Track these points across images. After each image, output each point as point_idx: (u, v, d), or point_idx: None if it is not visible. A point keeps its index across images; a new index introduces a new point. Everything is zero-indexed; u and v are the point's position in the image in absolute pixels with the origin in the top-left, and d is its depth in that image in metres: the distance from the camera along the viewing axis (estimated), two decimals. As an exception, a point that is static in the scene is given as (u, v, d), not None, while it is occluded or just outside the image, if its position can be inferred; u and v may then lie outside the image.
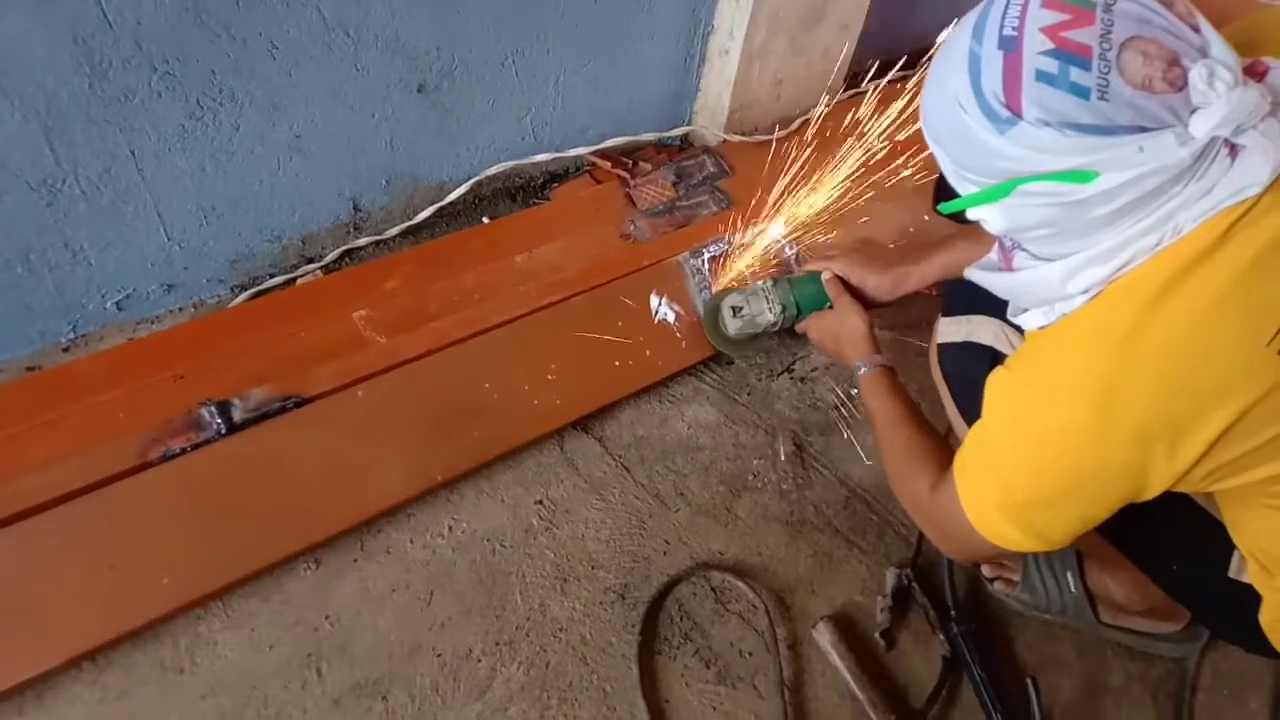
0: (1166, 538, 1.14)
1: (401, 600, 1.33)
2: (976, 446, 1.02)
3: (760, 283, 1.55)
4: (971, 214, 0.94)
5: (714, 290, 1.68)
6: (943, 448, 1.14)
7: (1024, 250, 0.98)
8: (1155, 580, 1.23)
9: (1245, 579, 1.07)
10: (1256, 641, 1.09)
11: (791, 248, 1.77)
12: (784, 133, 1.96)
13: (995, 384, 0.98)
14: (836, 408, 1.69)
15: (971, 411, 1.20)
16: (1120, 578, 1.38)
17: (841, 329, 1.41)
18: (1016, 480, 0.95)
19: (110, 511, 1.24)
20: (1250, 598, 1.07)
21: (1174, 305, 0.82)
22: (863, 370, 1.32)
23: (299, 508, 1.33)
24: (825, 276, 1.48)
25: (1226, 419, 0.83)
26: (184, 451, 1.31)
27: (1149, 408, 0.85)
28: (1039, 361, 0.96)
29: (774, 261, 1.74)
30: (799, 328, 1.53)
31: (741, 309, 1.54)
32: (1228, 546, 1.07)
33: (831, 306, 1.46)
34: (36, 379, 1.40)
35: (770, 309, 1.51)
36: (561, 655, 1.32)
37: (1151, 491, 0.90)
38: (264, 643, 1.26)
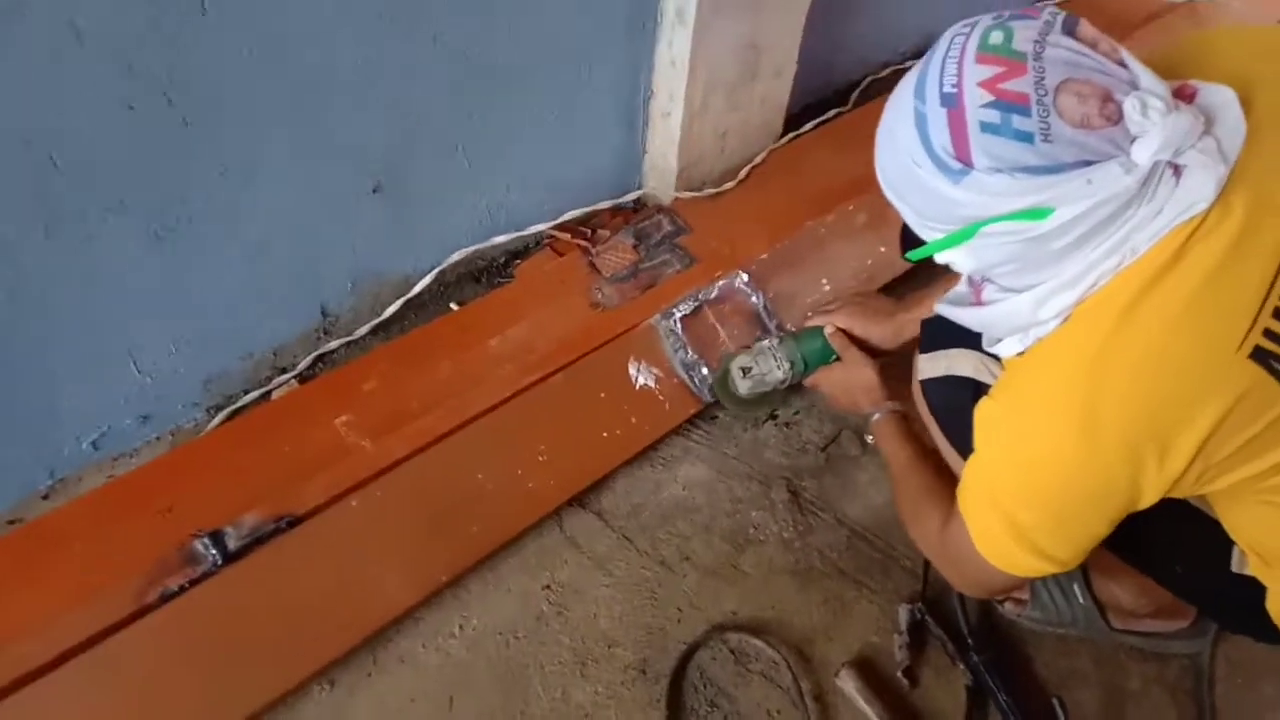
0: (1166, 541, 1.17)
1: (422, 710, 1.31)
2: (974, 479, 1.04)
3: (765, 341, 1.58)
4: (939, 258, 0.97)
5: (690, 348, 1.69)
6: (953, 487, 1.16)
7: (993, 283, 1.01)
8: (1160, 583, 1.26)
9: (1248, 572, 1.10)
10: (1266, 630, 1.12)
11: (758, 296, 1.79)
12: (734, 182, 2.00)
13: (982, 415, 1.01)
14: (823, 448, 1.71)
15: (963, 443, 1.23)
16: (1126, 583, 1.41)
17: (853, 381, 1.45)
18: (1018, 507, 0.97)
19: (113, 664, 1.21)
20: (1255, 589, 1.10)
21: (1141, 320, 0.86)
22: (877, 417, 1.36)
23: (306, 630, 1.30)
24: (828, 330, 1.51)
25: (1209, 423, 0.86)
26: (182, 590, 1.28)
27: (1132, 421, 0.88)
28: (1021, 388, 0.99)
29: (744, 311, 1.76)
30: (808, 382, 1.56)
31: (750, 369, 1.56)
32: (1227, 542, 1.10)
33: (837, 359, 1.48)
34: (19, 534, 1.35)
35: (779, 366, 1.54)
36: (591, 742, 1.31)
37: (1147, 500, 0.93)
38: (287, 776, 1.23)
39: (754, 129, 2.00)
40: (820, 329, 1.53)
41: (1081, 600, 1.44)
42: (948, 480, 1.21)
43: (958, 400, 1.24)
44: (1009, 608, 1.48)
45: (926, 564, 1.51)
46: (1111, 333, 0.87)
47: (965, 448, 1.12)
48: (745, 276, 1.81)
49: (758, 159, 2.05)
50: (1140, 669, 1.46)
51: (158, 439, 1.54)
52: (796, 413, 1.76)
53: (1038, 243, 0.88)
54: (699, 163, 1.93)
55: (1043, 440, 0.93)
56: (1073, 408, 0.89)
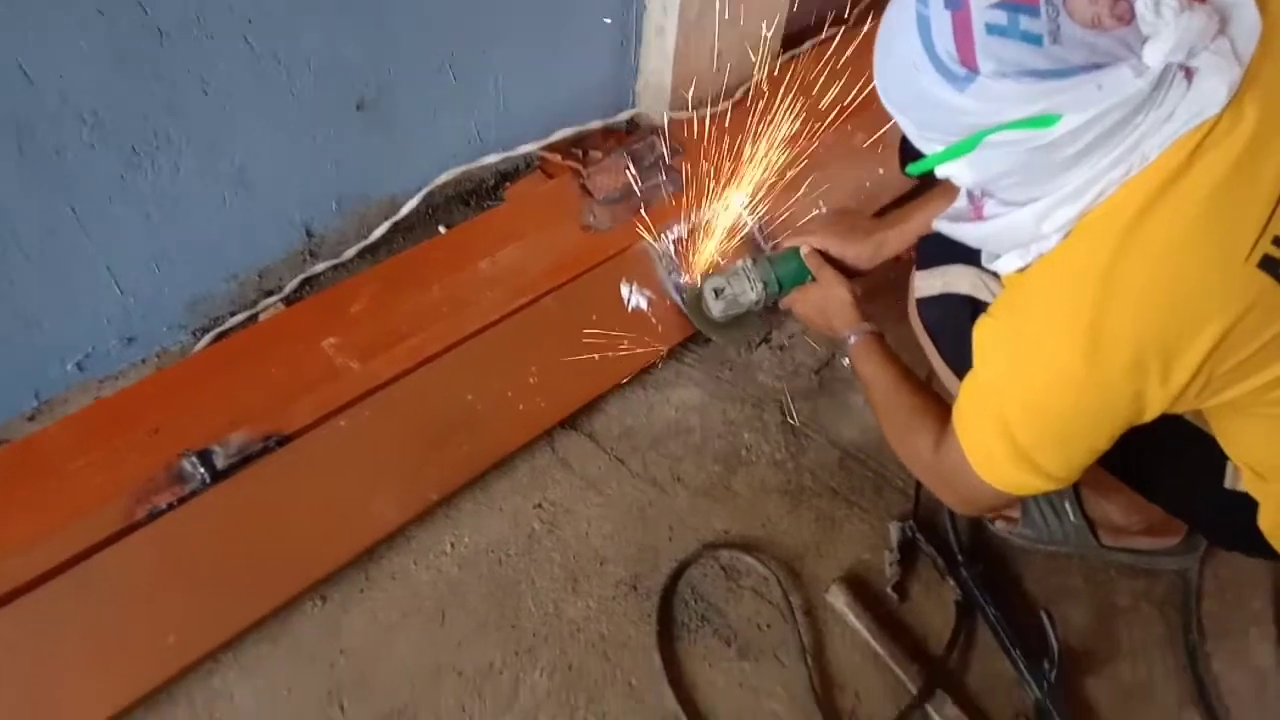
0: (1160, 459, 1.16)
1: (414, 625, 1.32)
2: (973, 398, 1.02)
3: (740, 263, 1.54)
4: (940, 171, 0.94)
5: (684, 271, 1.67)
6: (941, 406, 1.15)
7: (994, 198, 0.98)
8: (1153, 500, 1.25)
9: (1241, 488, 1.10)
10: (1257, 546, 1.12)
11: (753, 218, 1.76)
12: (729, 103, 1.95)
13: (982, 333, 0.99)
14: (817, 371, 1.69)
15: (960, 362, 1.21)
16: (1117, 500, 1.41)
17: (826, 301, 1.41)
18: (1018, 427, 0.96)
19: (104, 579, 1.21)
20: (1247, 505, 1.09)
21: (1149, 233, 0.83)
22: (852, 340, 1.32)
23: (297, 546, 1.30)
24: (804, 250, 1.48)
25: (1213, 337, 0.84)
26: (171, 507, 1.28)
27: (1138, 338, 0.86)
28: (1023, 306, 0.96)
29: (739, 234, 1.73)
30: (783, 304, 1.53)
31: (724, 290, 1.53)
32: (1220, 458, 1.09)
33: (813, 280, 1.45)
34: (6, 454, 1.35)
35: (752, 287, 1.51)
36: (583, 655, 1.32)
37: (1149, 415, 0.92)
38: (281, 687, 1.25)
39: (751, 46, 1.94)
40: (796, 249, 1.49)
41: (1073, 518, 1.44)
42: (935, 399, 1.19)
43: (955, 318, 1.22)
44: (1000, 526, 1.49)
45: (918, 482, 1.50)
46: (1118, 249, 0.84)
47: (961, 366, 1.10)
48: (741, 198, 1.77)
49: (754, 78, 1.99)
50: (1130, 585, 1.47)
51: (143, 361, 1.53)
52: (791, 336, 1.74)
53: (1043, 152, 0.84)
54: (694, 82, 1.88)
55: (1047, 359, 0.91)
56: (1078, 325, 0.87)
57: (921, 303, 1.29)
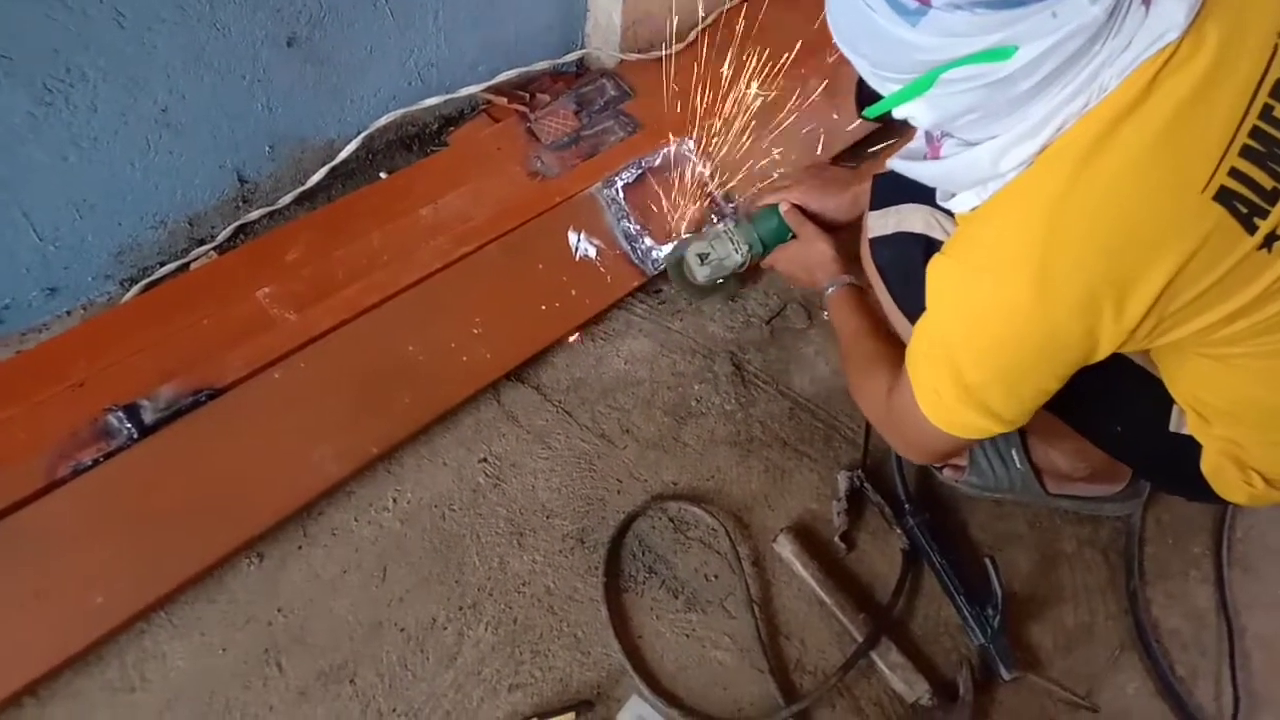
0: (1107, 401, 1.16)
1: (354, 580, 1.29)
2: (924, 337, 1.01)
3: (720, 225, 1.55)
4: (898, 112, 0.90)
5: (632, 220, 1.63)
6: (902, 353, 1.13)
7: (953, 137, 0.95)
8: (1099, 444, 1.26)
9: (1185, 431, 1.10)
10: (1199, 490, 1.13)
11: (705, 166, 1.72)
12: (682, 45, 1.89)
13: (935, 271, 0.96)
14: (768, 321, 1.67)
15: (908, 301, 1.19)
16: (1063, 447, 1.41)
17: (809, 257, 1.42)
18: (967, 365, 0.94)
19: (25, 538, 1.17)
20: (1191, 449, 1.10)
21: (1104, 162, 0.81)
22: (830, 290, 1.34)
23: (231, 502, 1.26)
24: (783, 208, 1.47)
25: (1169, 271, 0.83)
26: (95, 463, 1.23)
27: (1090, 271, 0.84)
28: (975, 241, 0.94)
29: (691, 180, 1.69)
30: (765, 263, 1.54)
31: (708, 255, 1.53)
32: (1166, 402, 1.09)
33: (794, 237, 1.45)
34: (-81, 409, 1.29)
35: (737, 250, 1.51)
36: (528, 609, 1.31)
37: (1101, 353, 0.90)
38: (216, 646, 1.21)
39: (703, -14, 1.88)
40: (775, 207, 1.49)
41: (1019, 465, 1.44)
42: (897, 348, 1.18)
43: (907, 258, 1.20)
44: (947, 474, 1.49)
45: (867, 432, 1.50)
46: (1071, 180, 0.82)
47: (908, 305, 1.08)
48: (691, 143, 1.73)
49: (708, 19, 1.94)
50: (1074, 531, 1.49)
51: (68, 313, 1.47)
52: (742, 287, 1.71)
53: (1001, 86, 0.81)
54: (645, 21, 1.82)
55: (997, 293, 0.89)
56: (1030, 257, 0.85)
57: (874, 243, 1.27)
